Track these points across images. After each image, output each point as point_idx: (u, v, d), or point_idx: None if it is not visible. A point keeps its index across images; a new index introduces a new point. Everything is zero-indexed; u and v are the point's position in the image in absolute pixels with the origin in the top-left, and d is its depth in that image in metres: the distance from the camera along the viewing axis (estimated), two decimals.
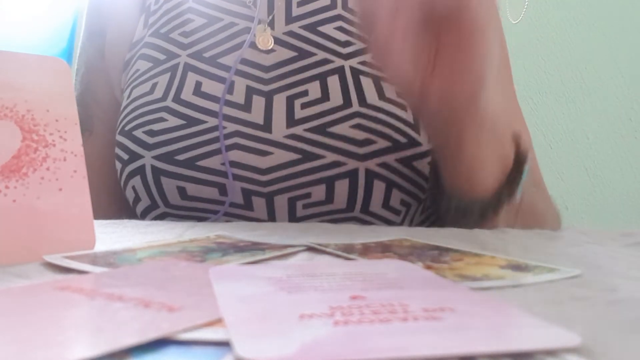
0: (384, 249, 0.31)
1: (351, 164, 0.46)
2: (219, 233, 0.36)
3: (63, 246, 0.28)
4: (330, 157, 0.46)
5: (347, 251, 0.30)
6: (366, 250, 0.30)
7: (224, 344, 0.15)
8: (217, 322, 0.17)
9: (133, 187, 0.50)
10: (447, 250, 0.30)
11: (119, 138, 0.52)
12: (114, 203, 0.56)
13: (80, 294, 0.19)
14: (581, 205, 1.42)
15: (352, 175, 0.46)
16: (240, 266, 0.25)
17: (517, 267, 0.26)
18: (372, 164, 0.46)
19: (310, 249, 0.31)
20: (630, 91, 1.44)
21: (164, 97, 0.50)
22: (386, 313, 0.17)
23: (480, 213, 0.43)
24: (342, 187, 0.47)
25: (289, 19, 0.53)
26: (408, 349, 0.14)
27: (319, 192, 0.47)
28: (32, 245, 0.28)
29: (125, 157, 0.50)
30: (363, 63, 0.50)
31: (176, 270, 0.24)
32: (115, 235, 0.35)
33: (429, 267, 0.26)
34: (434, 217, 0.56)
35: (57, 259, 0.26)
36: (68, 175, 0.30)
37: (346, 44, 0.51)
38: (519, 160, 0.45)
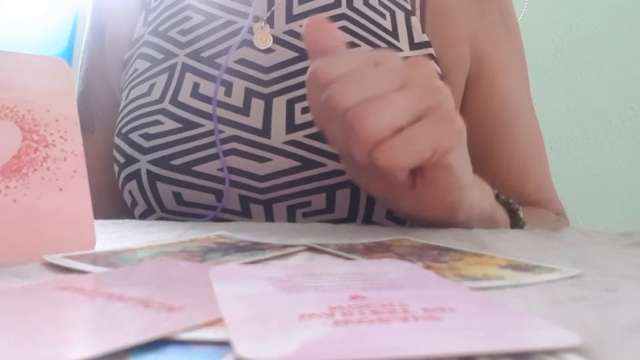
0: (384, 249, 0.31)
1: None
2: (219, 233, 0.36)
3: (63, 246, 0.28)
4: (331, 165, 0.45)
5: (347, 251, 0.30)
6: (366, 250, 0.30)
7: (224, 344, 0.15)
8: (217, 322, 0.17)
9: (130, 191, 0.49)
10: (447, 250, 0.30)
11: (117, 140, 0.51)
12: (115, 204, 0.56)
13: (81, 294, 0.19)
14: (581, 205, 1.42)
15: (354, 184, 0.44)
16: (240, 266, 0.25)
17: (517, 267, 0.26)
18: None
19: (310, 249, 0.31)
20: (630, 91, 1.44)
21: (161, 99, 0.48)
22: (386, 313, 0.17)
23: None
24: (343, 197, 0.45)
25: (290, 17, 0.50)
26: (408, 348, 0.14)
27: (319, 200, 0.45)
28: (32, 245, 0.28)
29: (122, 160, 0.49)
30: None
31: (176, 270, 0.24)
32: (116, 235, 0.35)
33: (429, 267, 0.26)
34: None
35: (58, 259, 0.26)
36: (68, 175, 0.30)
37: (350, 45, 0.48)
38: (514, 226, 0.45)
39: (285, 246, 0.31)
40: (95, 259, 0.26)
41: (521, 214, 0.45)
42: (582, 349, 0.15)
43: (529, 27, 1.44)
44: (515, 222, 0.45)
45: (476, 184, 0.39)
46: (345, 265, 0.26)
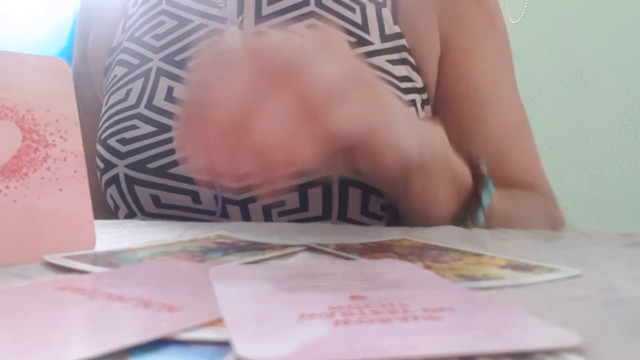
0: (384, 249, 0.31)
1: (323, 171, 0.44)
2: (219, 233, 0.36)
3: (63, 246, 0.28)
4: None
5: (347, 251, 0.30)
6: (366, 250, 0.30)
7: (224, 344, 0.15)
8: (217, 322, 0.17)
9: (111, 196, 0.50)
10: (447, 250, 0.30)
11: (97, 147, 0.52)
12: (102, 210, 0.56)
13: (81, 294, 0.19)
14: (581, 205, 1.42)
15: (325, 183, 0.45)
16: (240, 266, 0.25)
17: (517, 267, 0.26)
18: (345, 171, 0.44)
19: (310, 249, 0.31)
20: (630, 91, 1.44)
21: (137, 104, 0.49)
22: (386, 313, 0.17)
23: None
24: (315, 195, 0.45)
25: (258, 18, 0.50)
26: (408, 348, 0.14)
27: (293, 199, 0.46)
28: (32, 245, 0.28)
29: (102, 165, 0.50)
30: None
31: (176, 270, 0.24)
32: (115, 235, 0.35)
33: (429, 267, 0.26)
34: None
35: (58, 259, 0.26)
36: (68, 175, 0.30)
37: None
38: (477, 185, 0.43)
39: (285, 246, 0.31)
40: (95, 259, 0.26)
41: (488, 179, 0.44)
42: (582, 349, 0.15)
43: (529, 27, 1.44)
44: (479, 187, 0.43)
45: (424, 130, 0.38)
46: (345, 265, 0.26)
